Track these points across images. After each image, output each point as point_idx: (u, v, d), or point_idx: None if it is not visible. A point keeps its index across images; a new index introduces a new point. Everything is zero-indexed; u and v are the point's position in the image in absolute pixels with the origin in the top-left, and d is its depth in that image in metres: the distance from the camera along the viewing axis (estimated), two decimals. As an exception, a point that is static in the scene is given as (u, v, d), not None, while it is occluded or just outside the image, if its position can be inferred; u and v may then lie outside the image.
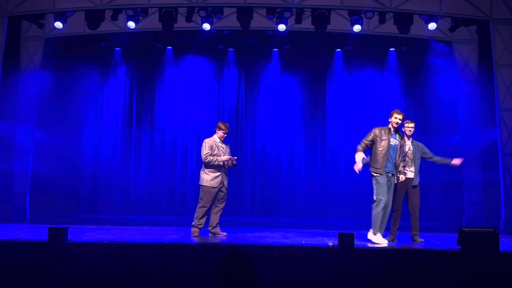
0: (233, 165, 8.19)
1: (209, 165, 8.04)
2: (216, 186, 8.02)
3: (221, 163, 8.03)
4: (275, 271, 6.08)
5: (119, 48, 12.71)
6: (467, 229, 6.45)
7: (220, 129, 8.17)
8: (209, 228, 8.24)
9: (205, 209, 8.06)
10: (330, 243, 6.75)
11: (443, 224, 11.02)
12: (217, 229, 8.19)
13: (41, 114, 12.00)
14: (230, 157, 8.08)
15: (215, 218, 8.20)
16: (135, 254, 6.44)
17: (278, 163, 12.63)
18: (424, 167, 12.13)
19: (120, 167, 12.60)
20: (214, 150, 8.06)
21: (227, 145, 8.34)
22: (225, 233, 8.28)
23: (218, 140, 8.17)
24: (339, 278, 6.14)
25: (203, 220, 8.09)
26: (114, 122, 12.81)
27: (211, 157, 8.03)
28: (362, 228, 10.46)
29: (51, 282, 6.20)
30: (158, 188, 12.53)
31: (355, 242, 6.36)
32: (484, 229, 6.52)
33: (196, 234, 8.00)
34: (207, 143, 8.14)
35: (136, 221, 11.59)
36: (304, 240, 7.82)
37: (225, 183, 8.14)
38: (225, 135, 8.21)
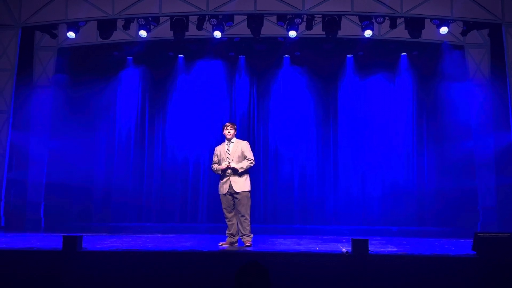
0: (233, 170, 7.68)
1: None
2: (224, 193, 7.76)
3: (219, 172, 7.82)
4: (288, 278, 6.06)
5: (131, 57, 12.78)
6: (482, 235, 6.40)
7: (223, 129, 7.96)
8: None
9: (225, 217, 7.89)
10: (344, 250, 6.72)
11: (458, 229, 10.92)
12: (243, 238, 7.77)
13: (54, 123, 12.07)
14: (224, 166, 7.68)
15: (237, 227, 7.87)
16: (148, 262, 6.46)
17: (291, 169, 12.58)
18: (438, 172, 12.16)
19: (132, 175, 12.65)
20: (220, 155, 7.87)
21: (238, 143, 7.86)
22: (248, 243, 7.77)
23: (226, 143, 7.91)
24: (353, 284, 6.11)
25: (231, 229, 7.86)
26: (127, 130, 12.87)
27: (213, 166, 7.96)
28: (376, 234, 10.44)
29: (65, 290, 6.23)
30: (170, 195, 12.55)
31: (369, 248, 6.33)
32: (499, 234, 6.48)
33: (222, 243, 7.81)
34: (215, 151, 8.03)
35: (149, 229, 11.59)
36: (317, 247, 7.80)
37: (237, 188, 7.70)
38: (230, 131, 7.82)
